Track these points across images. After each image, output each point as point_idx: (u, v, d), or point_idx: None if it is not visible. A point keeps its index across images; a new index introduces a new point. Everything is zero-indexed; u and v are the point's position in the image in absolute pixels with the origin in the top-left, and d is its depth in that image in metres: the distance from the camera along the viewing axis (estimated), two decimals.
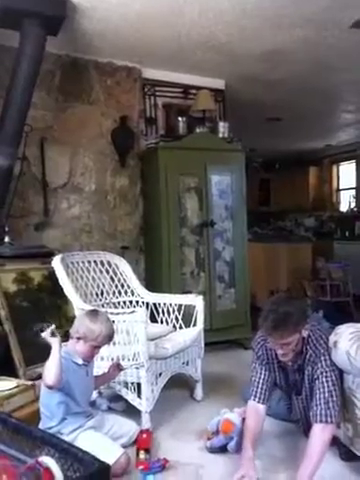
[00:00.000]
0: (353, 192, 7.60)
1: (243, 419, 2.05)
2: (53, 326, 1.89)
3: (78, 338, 1.95)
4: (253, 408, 2.01)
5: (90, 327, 1.93)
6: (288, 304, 1.90)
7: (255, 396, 2.03)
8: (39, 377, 2.06)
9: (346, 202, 7.79)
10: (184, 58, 3.77)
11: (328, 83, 4.37)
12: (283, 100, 4.88)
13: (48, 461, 1.35)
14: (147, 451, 1.99)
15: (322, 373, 1.86)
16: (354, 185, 7.56)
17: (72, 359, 1.95)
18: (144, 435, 2.09)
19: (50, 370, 1.81)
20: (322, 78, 4.24)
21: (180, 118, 3.83)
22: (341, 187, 8.04)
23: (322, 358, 1.88)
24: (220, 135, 3.88)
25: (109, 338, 2.01)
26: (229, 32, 3.29)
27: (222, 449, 2.07)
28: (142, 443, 2.03)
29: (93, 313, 2.02)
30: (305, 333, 1.91)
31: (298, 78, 4.22)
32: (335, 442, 1.92)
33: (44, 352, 2.69)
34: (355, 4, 2.88)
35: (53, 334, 1.85)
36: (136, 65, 3.90)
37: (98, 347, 1.99)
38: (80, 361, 1.96)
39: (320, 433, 1.77)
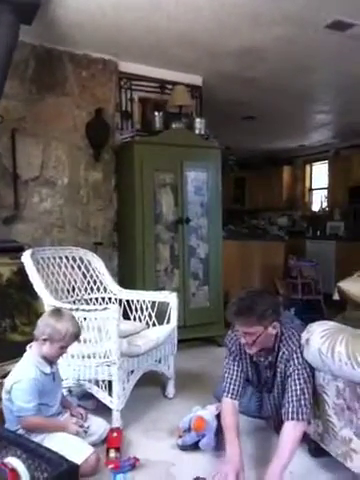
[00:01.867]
0: (325, 192, 7.74)
1: (216, 416, 2.06)
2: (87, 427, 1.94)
3: (44, 340, 1.89)
4: (230, 404, 2.01)
5: (56, 327, 1.89)
6: (258, 296, 1.93)
7: (229, 392, 2.03)
8: (6, 375, 1.99)
9: (318, 202, 7.92)
10: (161, 52, 3.73)
11: (303, 83, 4.42)
12: (259, 99, 4.90)
13: (14, 462, 1.31)
14: (117, 450, 1.96)
15: (294, 371, 1.87)
16: (326, 185, 7.69)
17: (41, 370, 1.90)
18: (115, 434, 2.06)
19: (40, 427, 1.82)
20: (297, 78, 4.27)
21: (156, 113, 3.79)
22: (314, 187, 8.17)
23: (294, 356, 1.90)
24: (196, 131, 3.86)
25: (76, 336, 1.97)
26: (207, 27, 3.27)
27: (194, 446, 2.06)
28: (112, 442, 2.00)
29: (57, 312, 1.98)
30: (274, 331, 1.92)
31: (274, 77, 4.25)
32: (305, 438, 1.93)
33: (12, 349, 2.64)
34: (331, 5, 2.91)
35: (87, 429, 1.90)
36: (112, 58, 3.83)
37: (65, 347, 1.95)
38: (48, 370, 1.93)
39: (291, 430, 1.78)
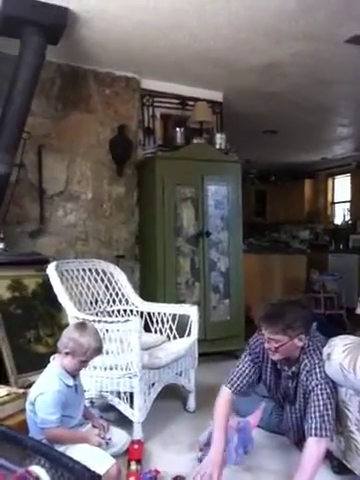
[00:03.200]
0: (347, 205, 7.66)
1: (236, 430, 2.04)
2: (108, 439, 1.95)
3: (66, 353, 1.90)
4: (226, 394, 2.04)
5: (79, 341, 1.89)
6: (289, 306, 1.94)
7: (231, 384, 2.05)
8: (30, 386, 2.03)
9: (340, 215, 7.84)
10: (183, 70, 3.81)
11: (323, 97, 4.43)
12: (279, 113, 4.93)
13: (38, 471, 1.34)
14: (138, 462, 1.97)
15: (317, 385, 1.85)
16: (349, 198, 7.62)
17: (64, 382, 1.91)
18: (136, 446, 2.07)
19: (63, 439, 1.84)
20: (318, 92, 4.29)
21: (178, 129, 3.86)
22: (336, 200, 8.10)
23: (317, 369, 1.88)
24: (217, 146, 3.90)
25: (98, 351, 1.96)
26: (227, 45, 3.33)
27: None
28: (133, 454, 2.01)
29: (81, 326, 1.98)
30: (300, 343, 1.92)
31: (294, 91, 4.27)
32: (328, 455, 1.90)
33: (36, 360, 2.69)
34: (351, 19, 2.93)
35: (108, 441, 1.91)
36: (135, 75, 3.93)
37: (86, 361, 1.95)
38: (71, 382, 1.93)
39: (314, 446, 1.76)
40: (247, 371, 2.08)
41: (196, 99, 4.09)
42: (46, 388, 1.87)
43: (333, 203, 8.14)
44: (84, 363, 1.95)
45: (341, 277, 5.38)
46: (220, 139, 3.93)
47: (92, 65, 3.71)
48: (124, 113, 3.91)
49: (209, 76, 3.95)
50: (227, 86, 4.20)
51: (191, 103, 4.13)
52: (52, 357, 2.00)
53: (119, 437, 2.11)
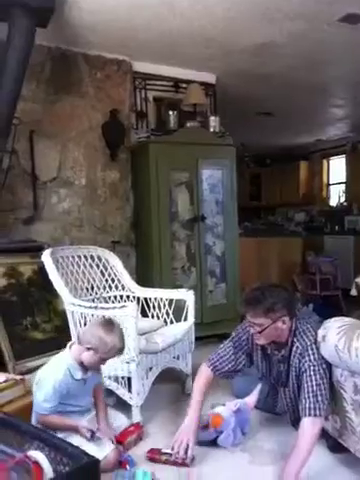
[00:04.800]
0: (343, 186, 7.65)
1: (234, 412, 2.07)
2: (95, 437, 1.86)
3: (88, 348, 1.87)
4: (208, 372, 2.13)
5: (104, 339, 1.85)
6: (268, 289, 1.97)
7: (213, 365, 2.14)
8: (28, 372, 2.05)
9: (336, 196, 7.83)
10: (175, 51, 3.75)
11: (317, 78, 4.38)
12: (273, 94, 4.88)
13: (37, 455, 1.35)
14: (120, 443, 1.97)
15: (310, 366, 1.88)
16: (344, 180, 7.60)
17: (72, 374, 1.88)
18: (131, 428, 2.11)
19: (52, 425, 1.82)
20: (311, 72, 4.24)
21: (171, 112, 3.81)
22: (331, 182, 8.08)
23: (310, 351, 1.91)
24: (211, 129, 3.87)
25: (120, 351, 1.95)
26: (219, 25, 3.28)
27: (212, 442, 2.08)
28: (120, 436, 2.02)
29: (108, 324, 1.92)
30: (283, 325, 1.94)
31: (288, 72, 4.23)
32: (323, 434, 1.94)
33: (33, 347, 2.71)
34: None
35: (92, 434, 1.83)
36: (126, 58, 3.87)
37: (106, 359, 1.93)
38: (79, 375, 1.90)
39: (309, 426, 1.79)
40: (227, 356, 2.14)
41: (189, 81, 4.03)
42: (49, 375, 1.87)
43: (328, 185, 8.12)
44: (103, 361, 1.93)
45: (336, 259, 5.40)
46: (214, 122, 3.89)
47: (83, 48, 3.65)
48: (116, 97, 3.85)
49: (202, 58, 3.89)
50: (220, 68, 4.15)
51: (184, 85, 4.08)
52: (69, 344, 1.98)
53: (120, 421, 2.14)
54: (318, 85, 4.60)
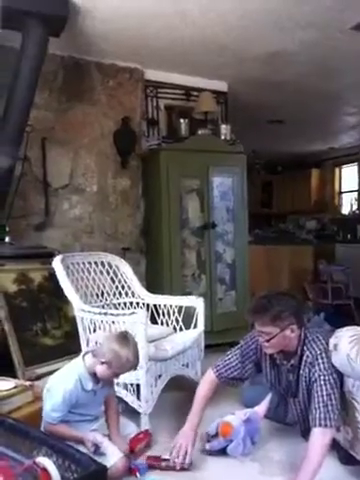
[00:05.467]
0: (355, 195, 7.59)
1: (243, 421, 2.05)
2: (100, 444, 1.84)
3: (102, 362, 1.86)
4: (213, 378, 2.13)
5: (118, 353, 1.84)
6: (276, 297, 1.95)
7: (218, 372, 2.13)
8: (38, 378, 2.05)
9: (348, 205, 7.77)
10: (187, 59, 3.77)
11: (330, 86, 4.37)
12: (285, 102, 4.87)
13: (45, 462, 1.35)
14: (131, 451, 1.96)
15: (320, 376, 1.85)
16: (356, 188, 7.55)
17: (82, 385, 1.88)
18: (140, 435, 2.09)
19: (59, 435, 1.80)
20: (324, 80, 4.23)
21: (182, 120, 3.83)
22: (343, 190, 8.03)
23: (320, 360, 1.88)
24: (222, 137, 3.88)
25: (134, 367, 1.94)
26: (231, 34, 3.29)
27: (221, 452, 2.06)
28: (130, 444, 2.01)
29: (123, 338, 1.91)
30: (292, 334, 1.92)
31: (300, 80, 4.22)
32: (334, 445, 1.90)
33: (43, 353, 2.71)
34: (356, 6, 2.88)
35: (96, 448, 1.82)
36: (138, 66, 3.90)
37: (120, 374, 1.92)
38: (90, 386, 1.89)
39: (320, 437, 1.76)
40: (234, 364, 2.12)
41: (200, 89, 4.05)
42: (60, 384, 1.87)
43: (340, 193, 8.07)
44: (117, 375, 1.92)
45: (348, 267, 5.34)
46: (225, 130, 3.90)
47: (95, 57, 3.69)
48: (128, 105, 3.88)
49: (213, 66, 3.91)
50: (232, 76, 4.16)
51: (195, 94, 4.10)
52: (82, 354, 1.97)
53: (130, 429, 2.12)
54: (331, 93, 4.58)
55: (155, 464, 1.95)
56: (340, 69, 3.99)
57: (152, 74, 3.98)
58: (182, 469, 1.91)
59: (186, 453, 1.93)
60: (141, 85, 3.95)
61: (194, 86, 4.13)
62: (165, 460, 1.95)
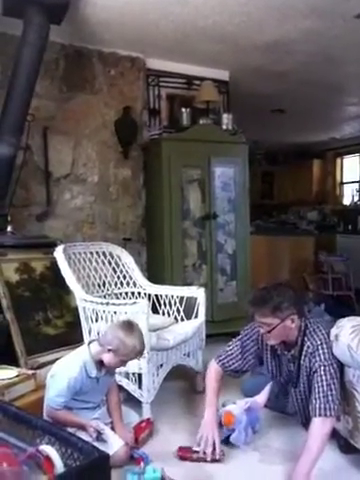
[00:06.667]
0: (357, 185, 7.56)
1: (245, 410, 2.07)
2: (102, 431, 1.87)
3: (109, 350, 1.88)
4: (218, 370, 2.15)
5: (124, 341, 1.86)
6: (275, 288, 1.95)
7: (221, 362, 2.15)
8: (40, 367, 2.06)
9: (349, 196, 7.75)
10: (188, 48, 3.74)
11: (333, 75, 4.33)
12: (287, 92, 4.84)
13: (48, 450, 1.36)
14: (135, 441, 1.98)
15: (320, 366, 1.86)
16: (358, 179, 7.52)
17: (87, 371, 1.90)
18: (143, 424, 2.11)
19: (61, 421, 1.82)
20: (327, 70, 4.20)
21: (184, 109, 3.79)
22: (345, 180, 8.00)
23: (320, 351, 1.89)
24: (224, 127, 3.85)
25: (140, 354, 1.96)
26: (233, 22, 3.25)
27: (224, 441, 2.07)
28: (134, 433, 2.03)
29: (128, 326, 1.94)
30: (292, 324, 1.93)
31: (303, 70, 4.19)
32: (335, 434, 1.92)
33: (45, 342, 2.72)
34: None
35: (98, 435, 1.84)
36: (140, 55, 3.86)
37: (126, 361, 1.94)
38: (94, 374, 1.91)
39: (320, 426, 1.77)
40: (235, 355, 2.14)
41: (202, 78, 4.02)
42: (65, 370, 1.89)
43: (342, 183, 8.04)
44: (123, 362, 1.94)
45: (349, 258, 5.35)
46: (227, 119, 3.87)
47: (96, 45, 3.65)
48: (129, 94, 3.86)
49: (215, 54, 3.87)
50: (233, 65, 4.12)
51: (197, 83, 4.07)
52: (87, 342, 2.00)
53: (131, 418, 2.14)
54: (333, 83, 4.55)
55: (187, 456, 1.94)
56: (342, 58, 3.95)
57: (154, 63, 3.95)
58: (214, 460, 1.91)
59: (214, 444, 1.92)
60: (143, 74, 3.92)
61: (196, 75, 4.10)
62: (196, 452, 1.94)
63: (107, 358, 1.89)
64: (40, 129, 3.44)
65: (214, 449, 1.92)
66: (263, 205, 8.20)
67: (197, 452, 1.93)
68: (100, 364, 1.93)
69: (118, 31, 3.42)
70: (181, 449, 1.98)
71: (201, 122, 3.75)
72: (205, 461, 1.91)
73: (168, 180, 3.54)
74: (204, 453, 1.91)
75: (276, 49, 3.73)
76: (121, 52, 3.79)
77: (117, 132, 3.78)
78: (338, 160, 8.00)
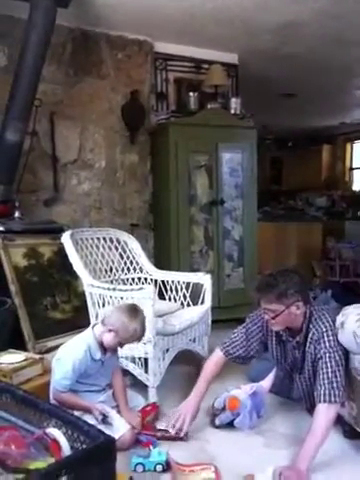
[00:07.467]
0: None
1: (250, 395, 2.08)
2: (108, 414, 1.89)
3: (110, 330, 1.92)
4: (220, 356, 2.16)
5: (126, 325, 1.90)
6: (281, 274, 1.95)
7: (225, 349, 2.15)
8: (47, 351, 2.09)
9: (359, 181, 7.66)
10: (197, 31, 3.68)
11: (343, 59, 4.25)
12: (297, 76, 4.76)
13: (55, 432, 1.38)
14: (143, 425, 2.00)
15: (325, 353, 1.87)
16: None
17: (91, 354, 1.93)
18: (148, 408, 2.14)
19: (67, 404, 1.84)
20: (337, 53, 4.12)
21: (191, 93, 3.75)
22: (354, 166, 7.90)
23: (325, 338, 1.90)
24: (232, 111, 3.81)
25: (139, 339, 2.00)
26: (243, 3, 3.19)
27: (229, 425, 2.09)
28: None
29: (132, 310, 1.97)
30: (297, 311, 1.93)
31: (313, 53, 4.11)
32: (339, 420, 1.93)
33: (53, 326, 2.75)
34: None
35: (104, 418, 1.86)
36: (148, 38, 3.81)
37: (124, 344, 1.99)
38: (98, 355, 1.95)
39: (324, 412, 1.78)
40: (239, 342, 2.15)
41: (210, 62, 3.96)
42: (69, 353, 1.92)
43: (351, 169, 7.95)
44: (121, 345, 1.98)
45: (357, 245, 5.31)
46: (235, 104, 3.83)
47: (104, 28, 3.61)
48: (137, 78, 3.82)
49: (224, 37, 3.81)
50: (243, 48, 4.05)
51: (205, 66, 4.02)
52: (92, 324, 2.04)
53: (137, 401, 2.17)
54: (344, 66, 4.47)
55: (151, 434, 1.97)
56: (354, 41, 3.86)
57: (161, 46, 3.89)
58: (177, 438, 1.96)
59: (183, 423, 1.97)
60: (150, 58, 3.87)
61: (204, 58, 4.04)
62: (161, 430, 2.00)
63: (107, 338, 1.93)
64: (47, 114, 3.43)
65: (181, 428, 1.96)
66: (271, 191, 8.14)
67: (162, 430, 1.99)
68: (103, 346, 1.96)
69: (125, 14, 3.37)
70: (146, 427, 2.01)
71: (209, 106, 3.70)
72: (168, 439, 1.95)
73: (175, 165, 3.53)
74: (173, 426, 1.96)
75: (286, 32, 3.66)
76: (128, 35, 3.74)
77: (124, 117, 3.75)
78: (348, 145, 7.90)
